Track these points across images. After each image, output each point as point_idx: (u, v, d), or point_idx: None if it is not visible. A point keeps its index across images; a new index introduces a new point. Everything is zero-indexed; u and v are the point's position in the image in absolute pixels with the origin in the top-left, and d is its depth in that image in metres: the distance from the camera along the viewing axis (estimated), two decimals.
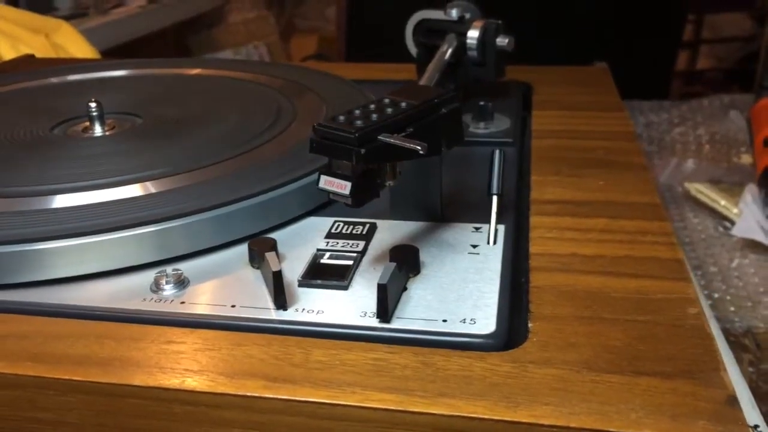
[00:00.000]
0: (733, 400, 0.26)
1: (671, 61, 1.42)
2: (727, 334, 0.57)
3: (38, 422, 0.30)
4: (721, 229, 0.73)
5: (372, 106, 0.34)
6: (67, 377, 0.28)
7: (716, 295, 0.62)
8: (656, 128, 0.96)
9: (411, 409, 0.26)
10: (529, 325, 0.31)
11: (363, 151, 0.31)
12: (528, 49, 0.66)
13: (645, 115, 1.01)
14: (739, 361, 0.54)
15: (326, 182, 0.32)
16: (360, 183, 0.32)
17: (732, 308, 0.61)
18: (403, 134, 0.33)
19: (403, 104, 0.34)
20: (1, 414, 0.30)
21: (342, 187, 0.32)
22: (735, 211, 0.73)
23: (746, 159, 0.86)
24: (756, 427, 0.46)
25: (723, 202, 0.75)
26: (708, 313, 0.58)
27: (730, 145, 0.89)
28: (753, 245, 0.69)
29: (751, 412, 0.47)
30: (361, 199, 0.32)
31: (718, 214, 0.76)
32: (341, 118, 0.33)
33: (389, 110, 0.34)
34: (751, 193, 0.73)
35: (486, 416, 0.26)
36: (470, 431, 0.26)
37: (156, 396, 0.28)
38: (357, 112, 0.33)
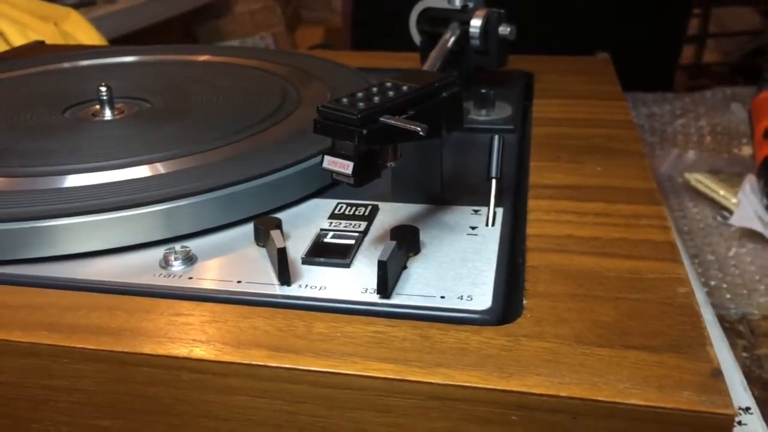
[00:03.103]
0: (717, 373, 0.27)
1: (675, 54, 1.43)
2: (722, 320, 0.58)
3: (53, 390, 0.31)
4: (719, 218, 0.74)
5: (374, 89, 0.35)
6: (80, 346, 0.30)
7: (713, 283, 0.63)
8: (658, 119, 0.97)
9: (409, 378, 0.27)
10: (524, 302, 0.32)
11: (365, 131, 0.32)
12: (532, 39, 0.67)
13: (648, 106, 1.01)
14: (734, 346, 0.55)
15: (329, 162, 0.34)
16: (362, 163, 0.33)
17: (728, 296, 0.62)
18: (404, 116, 0.34)
19: (405, 88, 0.35)
20: (17, 382, 0.31)
21: (344, 166, 0.33)
22: (734, 201, 0.74)
23: (747, 150, 0.87)
24: (747, 409, 0.47)
25: (722, 192, 0.76)
26: (704, 299, 0.59)
27: (732, 137, 0.90)
28: (750, 235, 0.70)
29: (743, 395, 0.48)
30: (362, 178, 0.33)
31: (717, 203, 0.77)
32: (344, 100, 0.34)
33: (391, 93, 0.35)
34: (750, 183, 0.74)
35: (480, 385, 0.27)
36: (465, 399, 0.27)
37: (165, 364, 0.29)
38: (360, 94, 0.35)
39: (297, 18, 2.24)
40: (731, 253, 0.68)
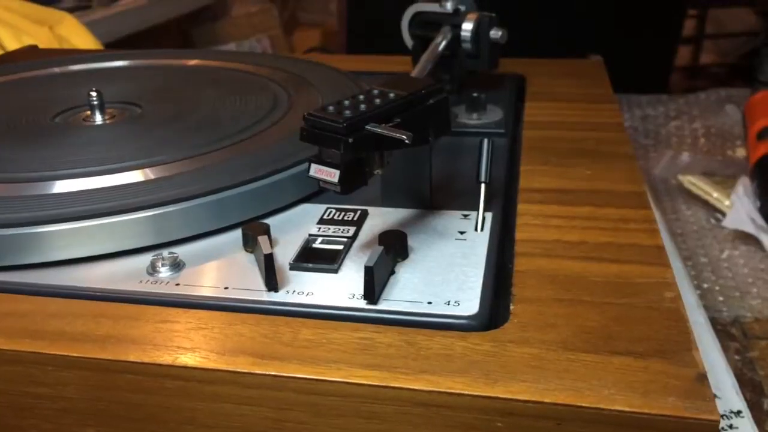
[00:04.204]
0: (702, 378, 0.27)
1: (671, 56, 1.43)
2: (715, 323, 0.58)
3: (37, 397, 0.31)
4: (713, 221, 0.74)
5: (361, 97, 0.35)
6: (64, 353, 0.30)
7: (706, 286, 0.63)
8: (653, 121, 0.97)
9: (393, 385, 0.27)
10: (511, 307, 0.32)
11: (350, 140, 0.32)
12: (527, 42, 0.67)
13: (642, 108, 1.01)
14: (726, 349, 0.55)
15: (316, 170, 0.34)
16: (348, 171, 0.33)
17: (720, 298, 0.62)
18: (391, 124, 0.34)
19: (392, 95, 0.35)
20: (1, 389, 0.31)
21: (331, 175, 0.33)
22: (727, 203, 0.74)
23: (741, 152, 0.87)
24: (739, 412, 0.47)
25: (715, 194, 0.76)
26: (696, 302, 0.59)
27: (726, 139, 0.90)
28: (743, 237, 0.70)
29: (734, 399, 0.48)
30: (349, 186, 0.33)
31: (711, 206, 0.77)
32: (331, 108, 0.34)
33: (377, 101, 0.35)
34: (743, 185, 0.74)
35: (465, 392, 0.27)
36: (449, 406, 0.27)
37: (150, 372, 0.29)
38: (346, 102, 0.34)
39: (294, 21, 2.24)
40: (724, 256, 0.68)
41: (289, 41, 2.11)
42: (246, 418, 0.29)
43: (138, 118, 0.51)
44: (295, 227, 0.39)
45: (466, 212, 0.40)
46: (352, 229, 0.39)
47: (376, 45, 0.78)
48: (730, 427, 0.45)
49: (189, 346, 0.30)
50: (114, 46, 1.27)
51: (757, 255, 0.67)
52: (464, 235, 0.38)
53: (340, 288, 0.34)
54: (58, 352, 0.30)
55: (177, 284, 0.34)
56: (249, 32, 2.02)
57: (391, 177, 0.40)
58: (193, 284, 0.34)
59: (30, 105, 0.54)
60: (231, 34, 1.99)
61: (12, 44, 0.95)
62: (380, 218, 0.40)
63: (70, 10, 1.21)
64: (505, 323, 0.31)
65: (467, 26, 0.54)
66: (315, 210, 0.41)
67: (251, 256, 0.36)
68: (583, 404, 0.26)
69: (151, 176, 0.41)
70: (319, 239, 0.38)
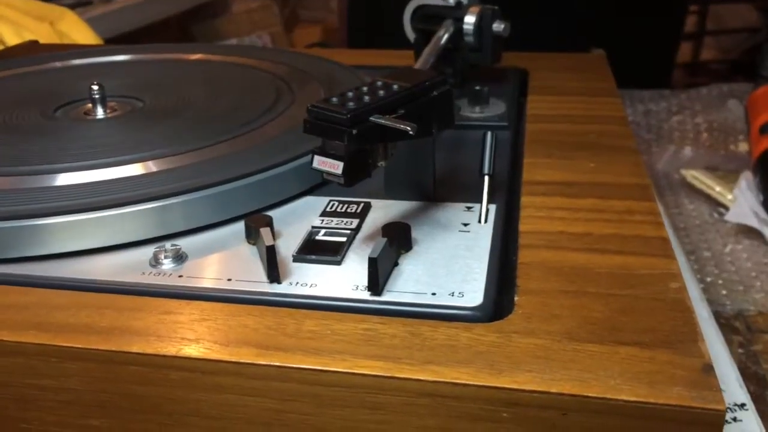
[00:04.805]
0: (708, 368, 0.27)
1: (673, 52, 1.43)
2: (718, 316, 0.58)
3: (40, 389, 0.31)
4: (715, 215, 0.74)
5: (365, 89, 0.35)
6: (68, 345, 0.29)
7: (709, 279, 0.63)
8: (655, 116, 0.97)
9: (398, 375, 0.27)
10: (516, 298, 0.32)
11: (354, 131, 0.32)
12: (529, 37, 0.67)
13: (644, 103, 1.01)
14: (729, 342, 0.55)
15: (320, 162, 0.33)
16: (352, 163, 0.33)
17: (724, 292, 0.61)
18: (395, 116, 0.34)
19: (395, 87, 0.35)
20: (4, 381, 0.31)
21: (335, 166, 0.33)
22: (730, 197, 0.74)
23: (743, 147, 0.87)
24: (743, 405, 0.47)
25: (718, 189, 0.76)
26: (699, 296, 0.58)
27: (728, 133, 0.90)
28: (747, 231, 0.70)
29: (738, 391, 0.48)
30: (353, 178, 0.33)
31: (714, 200, 0.77)
32: (334, 99, 0.34)
33: (381, 92, 0.35)
34: (746, 179, 0.74)
35: (470, 382, 0.27)
36: (455, 396, 0.27)
37: (154, 363, 0.29)
38: (350, 94, 0.34)
39: (294, 18, 2.24)
40: (727, 250, 0.68)
41: (290, 38, 2.11)
42: (250, 409, 0.29)
43: (140, 111, 0.51)
44: (298, 219, 0.39)
45: (469, 204, 0.40)
46: (355, 221, 0.38)
47: (377, 43, 0.78)
48: (735, 419, 0.45)
49: (193, 338, 0.30)
50: (114, 43, 1.27)
51: (760, 249, 0.67)
52: (468, 227, 0.38)
53: (344, 280, 0.34)
54: (61, 344, 0.29)
55: (180, 276, 0.34)
56: (249, 29, 2.01)
57: (395, 169, 0.40)
58: (196, 276, 0.34)
59: (31, 99, 0.54)
60: (231, 31, 1.99)
61: (13, 40, 0.95)
62: (383, 210, 0.40)
63: (71, 7, 1.21)
64: (510, 314, 0.31)
65: (470, 19, 0.54)
66: (318, 202, 0.41)
67: (254, 249, 0.36)
68: (589, 394, 0.26)
69: (154, 169, 0.40)
70: (322, 231, 0.38)
